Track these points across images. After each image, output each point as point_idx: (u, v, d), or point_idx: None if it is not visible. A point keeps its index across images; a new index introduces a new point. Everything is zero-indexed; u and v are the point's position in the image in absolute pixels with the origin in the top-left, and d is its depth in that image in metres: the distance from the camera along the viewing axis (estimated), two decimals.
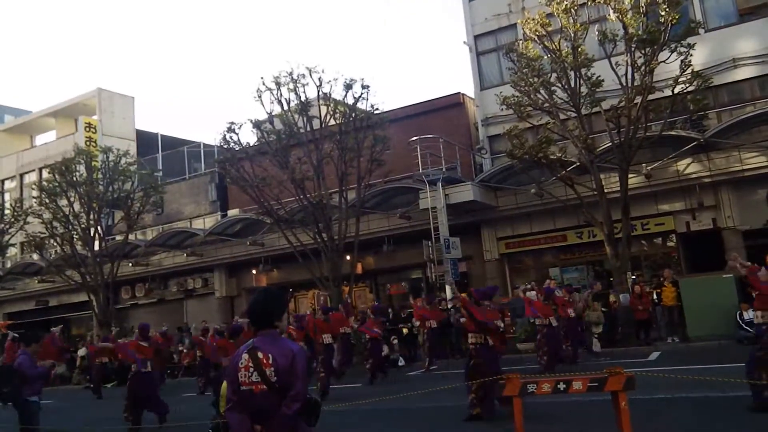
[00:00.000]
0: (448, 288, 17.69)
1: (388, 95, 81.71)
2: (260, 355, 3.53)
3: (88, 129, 30.75)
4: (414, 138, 19.08)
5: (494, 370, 7.74)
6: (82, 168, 24.02)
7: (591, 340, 14.59)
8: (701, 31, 16.82)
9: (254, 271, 23.62)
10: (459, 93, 22.56)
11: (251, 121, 20.03)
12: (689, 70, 15.16)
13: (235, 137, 19.87)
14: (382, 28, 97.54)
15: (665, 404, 7.98)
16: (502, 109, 17.58)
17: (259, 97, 19.45)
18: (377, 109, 19.45)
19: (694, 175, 17.07)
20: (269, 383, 3.49)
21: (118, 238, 25.76)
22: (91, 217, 23.63)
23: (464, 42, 22.04)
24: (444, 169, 19.20)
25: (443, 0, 57.01)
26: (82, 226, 23.67)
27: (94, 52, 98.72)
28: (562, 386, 5.64)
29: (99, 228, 24.04)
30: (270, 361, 3.50)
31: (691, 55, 15.14)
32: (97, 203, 23.63)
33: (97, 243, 24.13)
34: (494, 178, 19.07)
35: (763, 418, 6.70)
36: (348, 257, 19.40)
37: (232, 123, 19.75)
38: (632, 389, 5.48)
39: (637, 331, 15.30)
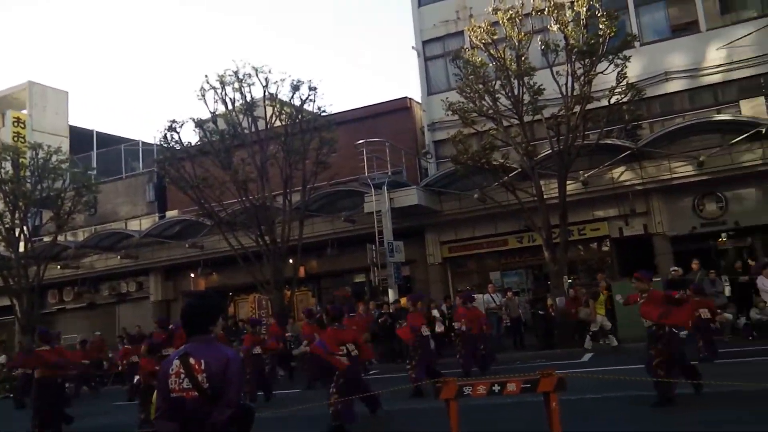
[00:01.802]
0: (390, 291, 17.81)
1: (337, 98, 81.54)
2: (192, 361, 3.44)
3: (16, 124, 29.36)
4: (360, 141, 19.10)
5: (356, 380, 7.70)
6: (8, 165, 22.83)
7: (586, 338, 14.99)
8: (636, 44, 17.51)
9: (192, 275, 23.05)
10: (406, 97, 22.72)
11: (194, 120, 19.55)
12: (625, 82, 15.74)
13: (176, 136, 19.38)
14: (332, 31, 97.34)
15: (595, 404, 8.21)
16: (448, 115, 17.76)
17: (203, 95, 19.06)
18: (324, 111, 19.36)
19: (627, 183, 17.74)
20: (201, 390, 3.39)
21: (46, 239, 24.63)
22: (17, 216, 22.50)
23: (413, 47, 22.22)
24: (390, 173, 19.29)
25: (394, 5, 57.26)
26: (6, 225, 22.48)
27: (26, 43, 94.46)
28: (496, 388, 5.73)
29: (25, 228, 22.89)
30: (202, 367, 3.41)
31: (627, 68, 15.71)
32: (24, 202, 22.49)
33: (22, 244, 22.96)
34: (439, 182, 19.26)
35: (685, 413, 7.01)
36: (291, 260, 19.17)
37: (174, 121, 19.25)
38: (563, 390, 5.63)
39: (571, 333, 15.73)
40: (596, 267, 18.91)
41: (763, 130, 15.99)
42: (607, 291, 15.46)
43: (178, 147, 19.51)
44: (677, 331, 7.71)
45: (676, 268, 15.19)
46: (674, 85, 18.38)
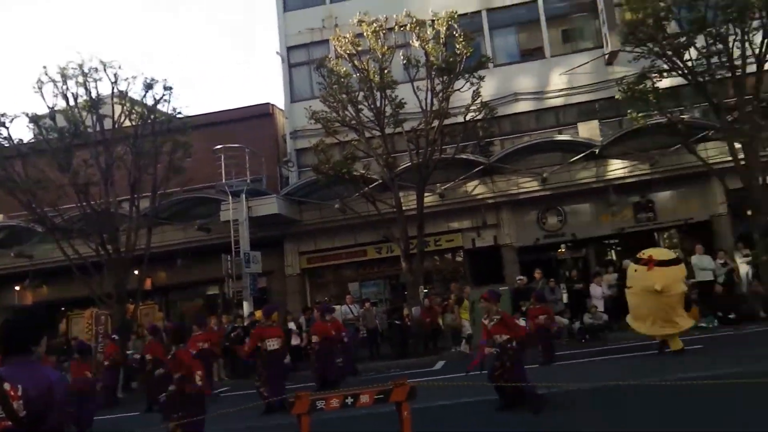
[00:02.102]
0: (245, 304, 17.12)
1: (197, 101, 78.10)
2: (7, 386, 2.92)
3: None
4: (218, 146, 18.27)
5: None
6: None
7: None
8: (490, 65, 18.51)
9: (18, 287, 20.66)
10: (269, 103, 22.21)
11: (27, 115, 17.59)
12: (479, 100, 16.57)
13: (5, 132, 17.34)
14: (199, 31, 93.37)
15: (445, 410, 8.37)
16: (311, 123, 17.58)
17: (40, 88, 17.22)
18: (180, 112, 18.27)
19: (480, 196, 18.66)
20: (16, 419, 2.90)
21: None
22: None
23: (277, 52, 21.79)
24: (249, 181, 18.64)
25: (260, 8, 56.12)
26: None
27: None
28: (349, 400, 5.61)
29: None
30: (19, 393, 2.93)
31: (481, 87, 16.53)
32: None
33: None
34: (299, 191, 18.97)
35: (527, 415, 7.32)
36: (136, 272, 17.73)
37: (3, 115, 17.22)
38: (414, 398, 5.64)
39: (425, 342, 16.10)
40: (450, 277, 19.62)
41: (597, 151, 17.60)
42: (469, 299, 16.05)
43: (7, 144, 17.46)
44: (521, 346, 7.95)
45: (521, 277, 16.16)
46: (522, 106, 19.68)
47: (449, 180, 18.42)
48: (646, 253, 10.74)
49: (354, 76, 16.87)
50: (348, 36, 16.79)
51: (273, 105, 22.26)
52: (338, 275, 20.68)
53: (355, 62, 16.72)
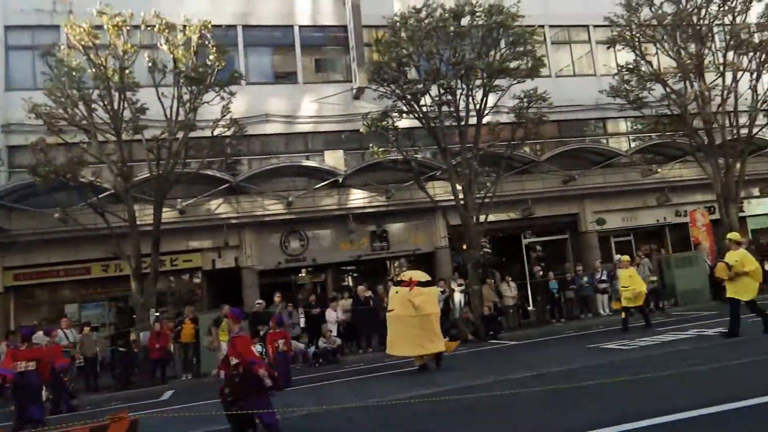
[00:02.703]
0: None
1: None
2: None
3: None
4: None
5: None
6: None
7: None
8: (243, 82, 18.20)
9: None
10: None
11: None
12: (229, 116, 16.11)
13: None
14: None
15: None
16: (30, 118, 15.22)
17: None
18: None
19: (223, 215, 18.08)
20: None
21: None
22: None
23: None
24: None
25: None
26: None
27: None
28: None
29: None
30: None
31: (232, 102, 16.10)
32: None
33: None
34: (10, 195, 16.24)
35: None
36: None
37: None
38: None
39: (153, 370, 14.83)
40: (186, 299, 18.52)
41: (341, 179, 18.37)
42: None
43: None
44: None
45: (260, 301, 15.88)
46: (273, 128, 19.67)
47: (191, 196, 17.51)
48: (406, 275, 11.64)
49: (89, 71, 15.12)
50: (85, 26, 15.00)
51: None
52: (54, 294, 18.13)
53: (92, 56, 15.02)
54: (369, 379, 11.39)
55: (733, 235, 11.09)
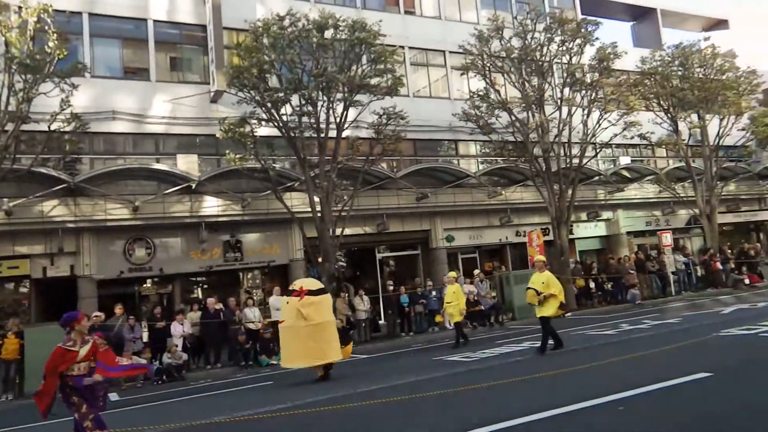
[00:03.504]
0: None
1: None
2: None
3: None
4: None
5: None
6: None
7: None
8: (87, 74, 16.77)
9: None
10: None
11: None
12: (69, 110, 14.76)
13: None
14: None
15: None
16: None
17: None
18: None
19: (58, 219, 16.40)
20: None
21: None
22: None
23: None
24: None
25: None
26: None
27: None
28: None
29: None
30: None
31: (73, 95, 14.78)
32: None
33: None
34: None
35: None
36: None
37: None
38: None
39: None
40: (10, 311, 16.50)
41: (193, 186, 17.50)
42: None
43: None
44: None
45: (98, 313, 14.62)
46: (120, 126, 18.28)
47: (22, 195, 15.74)
48: (296, 285, 11.18)
49: None
50: None
51: None
52: None
53: None
54: (216, 396, 10.87)
55: (540, 258, 12.29)
